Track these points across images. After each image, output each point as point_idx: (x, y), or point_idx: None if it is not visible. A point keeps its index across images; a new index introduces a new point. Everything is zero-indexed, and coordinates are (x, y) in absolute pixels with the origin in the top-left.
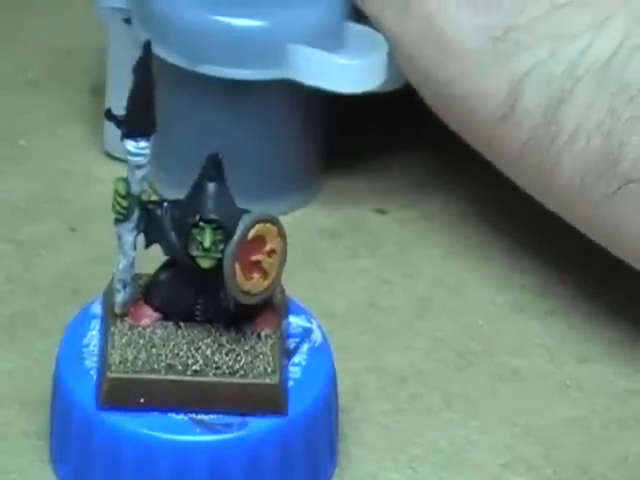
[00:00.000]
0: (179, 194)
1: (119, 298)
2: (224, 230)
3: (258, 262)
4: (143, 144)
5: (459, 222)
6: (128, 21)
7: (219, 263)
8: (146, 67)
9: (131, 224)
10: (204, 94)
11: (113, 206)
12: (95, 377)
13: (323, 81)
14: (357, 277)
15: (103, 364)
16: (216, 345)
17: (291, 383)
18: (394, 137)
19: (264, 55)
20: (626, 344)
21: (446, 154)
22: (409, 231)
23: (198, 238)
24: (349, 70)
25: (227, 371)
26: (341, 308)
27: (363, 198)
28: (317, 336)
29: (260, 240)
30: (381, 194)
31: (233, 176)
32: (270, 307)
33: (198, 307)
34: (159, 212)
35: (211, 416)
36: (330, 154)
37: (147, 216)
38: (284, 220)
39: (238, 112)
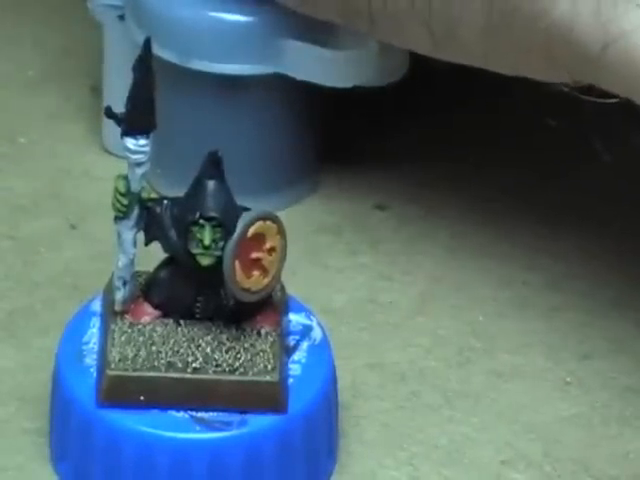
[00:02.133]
0: (175, 191)
1: (119, 296)
2: (224, 228)
3: (258, 260)
4: (143, 142)
5: (460, 218)
6: (122, 18)
7: (219, 261)
8: (146, 65)
9: (131, 222)
10: (197, 90)
11: (113, 204)
12: (95, 375)
13: (314, 75)
14: (357, 274)
15: (103, 362)
16: (216, 343)
17: (291, 381)
18: (395, 133)
19: (255, 50)
20: (627, 341)
21: (447, 149)
22: (409, 227)
23: (198, 236)
24: (339, 64)
25: (227, 369)
26: (341, 305)
27: (363, 194)
28: (317, 333)
29: (260, 238)
30: (381, 190)
31: (229, 172)
32: (270, 304)
33: (198, 305)
34: (159, 210)
35: (211, 414)
36: (330, 149)
37: (147, 214)
38: (284, 216)
39: (232, 108)
